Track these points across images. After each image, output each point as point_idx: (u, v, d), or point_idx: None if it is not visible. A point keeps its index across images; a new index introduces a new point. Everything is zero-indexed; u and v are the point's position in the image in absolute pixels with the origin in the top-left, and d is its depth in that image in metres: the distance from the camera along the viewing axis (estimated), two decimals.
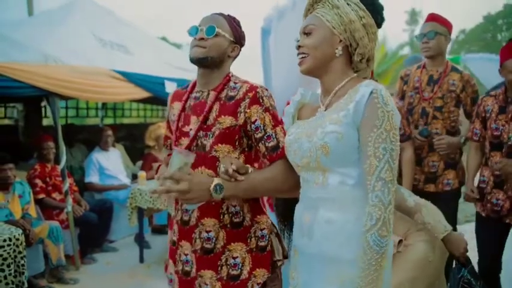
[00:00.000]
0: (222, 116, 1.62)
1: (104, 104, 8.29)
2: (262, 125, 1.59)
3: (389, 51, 18.31)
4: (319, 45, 1.41)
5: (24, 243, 2.94)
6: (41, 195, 4.30)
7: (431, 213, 1.89)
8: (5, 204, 3.78)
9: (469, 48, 29.43)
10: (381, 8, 2.03)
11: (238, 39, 1.73)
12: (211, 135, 1.62)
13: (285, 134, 1.59)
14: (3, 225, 3.07)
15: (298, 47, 1.45)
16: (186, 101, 1.74)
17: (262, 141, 1.59)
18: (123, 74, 4.72)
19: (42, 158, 4.58)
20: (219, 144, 1.61)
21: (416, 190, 2.89)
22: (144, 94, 5.00)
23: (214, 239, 1.61)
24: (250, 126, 1.60)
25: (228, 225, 1.62)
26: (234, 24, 1.72)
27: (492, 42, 28.97)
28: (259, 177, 1.53)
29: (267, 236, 1.68)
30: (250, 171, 1.53)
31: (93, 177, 5.12)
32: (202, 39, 1.64)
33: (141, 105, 9.24)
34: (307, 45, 1.42)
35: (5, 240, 2.73)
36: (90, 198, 5.03)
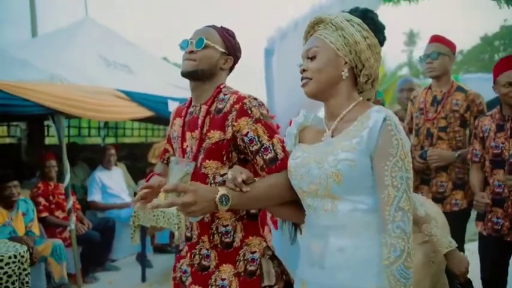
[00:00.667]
0: (212, 131, 1.56)
1: (105, 123, 8.37)
2: (256, 137, 1.51)
3: (388, 71, 18.51)
4: (324, 68, 1.36)
5: (28, 261, 2.95)
6: (44, 214, 4.32)
7: (439, 226, 1.88)
8: (9, 222, 3.80)
9: (467, 69, 29.74)
10: (383, 27, 2.03)
11: (232, 51, 1.67)
12: (202, 151, 1.57)
13: (282, 146, 1.54)
14: (8, 242, 3.09)
15: (303, 70, 1.41)
16: (185, 117, 1.70)
17: (260, 154, 1.52)
18: (127, 93, 4.79)
19: (44, 176, 4.62)
20: (207, 161, 1.55)
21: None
22: (147, 113, 5.05)
23: (209, 257, 1.59)
24: (242, 139, 1.53)
25: (219, 246, 1.58)
26: (225, 35, 1.66)
27: (490, 62, 29.27)
28: (263, 184, 1.47)
29: (258, 260, 1.59)
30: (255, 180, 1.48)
31: (95, 196, 5.14)
32: (191, 52, 1.60)
33: (142, 125, 9.31)
34: (311, 69, 1.38)
35: (10, 257, 2.74)
36: (92, 217, 5.04)
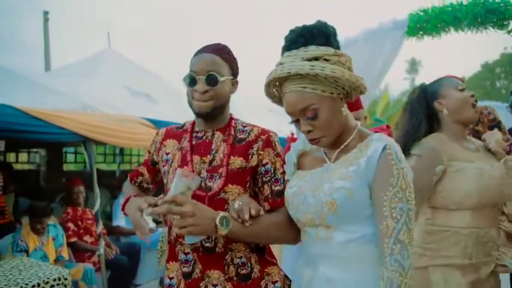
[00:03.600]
0: (232, 157, 1.52)
1: (121, 150, 8.54)
2: (272, 169, 1.52)
3: (391, 99, 18.78)
4: (332, 121, 1.28)
5: (71, 283, 3.05)
6: (73, 239, 4.42)
7: None
8: (40, 247, 3.92)
9: None
10: (335, 32, 1.80)
11: (237, 71, 1.61)
12: (217, 177, 1.50)
13: (287, 181, 1.51)
14: (50, 265, 3.18)
15: (307, 131, 1.30)
16: (190, 140, 1.61)
17: (269, 184, 1.51)
18: (152, 121, 4.96)
19: (73, 201, 4.73)
20: (229, 185, 1.49)
21: None
22: None
23: None
24: (260, 168, 1.53)
25: (235, 278, 1.48)
26: (229, 57, 1.57)
27: (491, 89, 29.68)
28: (266, 221, 1.41)
29: None
30: (261, 213, 1.41)
31: (120, 221, 5.25)
32: (205, 92, 1.49)
33: None
34: (319, 128, 1.28)
35: (55, 280, 2.84)
36: (116, 242, 5.13)
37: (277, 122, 7.54)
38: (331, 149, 1.37)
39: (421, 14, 3.40)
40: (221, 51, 1.55)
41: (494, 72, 31.53)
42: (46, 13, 12.95)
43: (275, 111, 8.34)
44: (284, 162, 1.53)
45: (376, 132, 3.41)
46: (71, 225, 4.48)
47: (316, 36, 1.64)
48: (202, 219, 1.27)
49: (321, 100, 1.25)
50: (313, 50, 1.26)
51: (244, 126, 1.61)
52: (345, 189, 1.22)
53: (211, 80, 1.49)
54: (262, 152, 1.53)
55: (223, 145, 1.55)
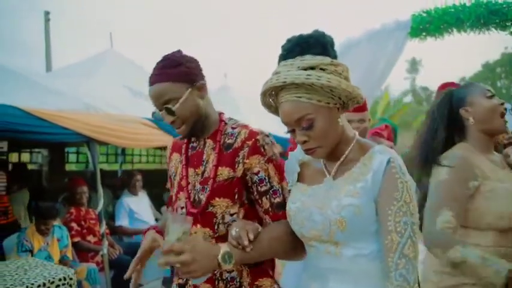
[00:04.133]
0: (220, 168, 1.45)
1: (123, 150, 8.56)
2: (267, 177, 1.42)
3: (392, 99, 18.80)
4: (328, 132, 1.26)
5: (76, 283, 3.06)
6: (77, 239, 4.44)
7: None
8: (45, 247, 3.94)
9: None
10: (332, 41, 1.73)
11: (193, 75, 1.49)
12: (207, 189, 1.45)
13: (289, 191, 1.43)
14: (55, 265, 3.20)
15: (303, 142, 1.28)
16: (186, 152, 1.58)
17: (268, 196, 1.43)
18: (155, 121, 4.98)
19: (76, 202, 4.75)
20: (216, 198, 1.43)
21: None
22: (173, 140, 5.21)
23: None
24: (251, 178, 1.43)
25: None
26: (180, 71, 1.46)
27: (492, 89, 29.65)
28: (267, 237, 1.34)
29: None
30: (259, 229, 1.35)
31: (123, 221, 5.26)
32: (173, 121, 1.47)
33: (157, 152, 9.50)
34: (315, 138, 1.26)
35: (60, 280, 2.85)
36: (119, 242, 5.14)
37: (278, 122, 7.55)
38: (330, 160, 1.35)
39: (424, 15, 3.41)
40: (166, 73, 1.44)
41: (495, 72, 31.52)
42: (47, 13, 12.97)
43: None
44: (279, 168, 1.46)
45: (375, 132, 3.41)
46: (74, 225, 4.50)
47: (312, 45, 1.61)
48: (203, 261, 1.22)
49: (316, 110, 1.23)
50: (309, 59, 1.24)
51: (233, 128, 1.51)
52: (353, 207, 1.20)
53: (169, 111, 1.45)
54: (248, 161, 1.42)
55: (213, 154, 1.49)
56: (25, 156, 7.68)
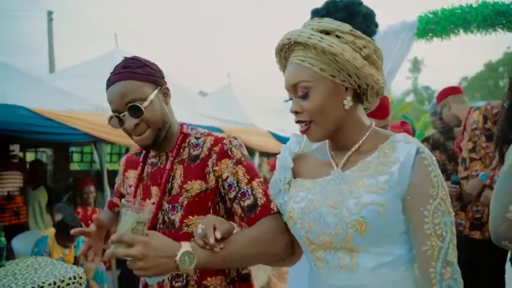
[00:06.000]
0: (189, 182, 1.32)
1: (127, 150, 8.59)
2: (235, 182, 1.29)
3: (394, 98, 18.81)
4: (325, 107, 1.08)
5: (85, 282, 3.09)
6: None
7: None
8: (62, 257, 3.96)
9: (472, 95, 30.07)
10: (372, 14, 1.49)
11: (157, 77, 1.37)
12: (179, 208, 1.32)
13: (264, 189, 1.30)
14: (64, 264, 3.23)
15: (295, 112, 1.12)
16: (142, 169, 1.45)
17: (237, 201, 1.28)
18: None
19: (82, 201, 4.78)
20: (190, 217, 1.30)
21: (462, 237, 2.88)
22: None
23: None
24: (223, 185, 1.30)
25: None
26: (145, 72, 1.34)
27: (494, 89, 29.66)
28: (242, 239, 1.16)
29: None
30: (235, 231, 1.19)
31: None
32: (137, 125, 1.31)
33: None
34: (308, 110, 1.09)
35: (70, 278, 2.88)
36: None
37: (281, 121, 7.59)
38: (339, 150, 1.17)
39: (431, 16, 3.43)
40: (131, 71, 1.32)
41: (498, 72, 31.48)
42: (50, 13, 13.01)
43: (279, 110, 8.38)
44: (249, 169, 1.31)
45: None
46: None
47: (339, 9, 1.39)
48: (157, 259, 1.02)
49: (317, 79, 1.07)
50: (326, 22, 1.07)
51: (198, 138, 1.39)
52: (377, 206, 1.01)
53: (135, 112, 1.29)
54: (217, 167, 1.31)
55: (179, 168, 1.36)
56: (30, 156, 7.73)
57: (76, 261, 3.99)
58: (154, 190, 1.38)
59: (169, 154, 1.39)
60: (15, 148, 4.85)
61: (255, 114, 7.34)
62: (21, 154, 7.44)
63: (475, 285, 2.98)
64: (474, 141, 2.91)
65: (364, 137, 1.13)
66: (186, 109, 6.53)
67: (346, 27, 1.06)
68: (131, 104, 1.29)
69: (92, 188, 4.80)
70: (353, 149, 1.13)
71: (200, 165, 1.33)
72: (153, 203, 1.36)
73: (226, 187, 1.30)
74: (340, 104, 1.08)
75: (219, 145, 1.32)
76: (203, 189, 1.31)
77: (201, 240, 1.10)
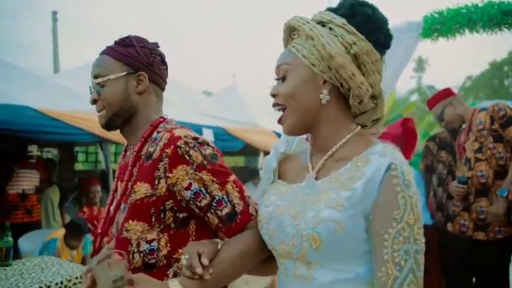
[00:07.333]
0: (138, 183, 1.18)
1: None
2: (203, 189, 1.12)
3: (398, 98, 18.74)
4: (297, 92, 1.03)
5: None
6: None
7: None
8: (70, 259, 3.99)
9: (477, 95, 29.96)
10: (383, 22, 1.29)
11: (139, 64, 1.27)
12: (125, 209, 1.20)
13: (239, 191, 1.17)
14: (71, 263, 3.24)
15: (273, 95, 1.08)
16: (120, 164, 1.37)
17: (212, 210, 1.13)
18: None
19: (88, 201, 4.80)
20: (130, 221, 1.17)
21: (465, 238, 2.91)
22: None
23: None
24: (183, 195, 1.13)
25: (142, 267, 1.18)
26: (121, 49, 1.27)
27: (499, 88, 29.52)
28: (229, 256, 1.09)
29: None
30: (219, 246, 1.11)
31: None
32: (95, 101, 1.28)
33: None
34: (282, 94, 1.05)
35: (77, 278, 2.89)
36: None
37: None
38: (318, 153, 1.09)
39: (436, 16, 3.42)
40: (112, 48, 1.29)
41: (503, 71, 31.26)
42: (55, 13, 13.06)
43: None
44: (217, 171, 1.16)
45: (386, 134, 3.35)
46: None
47: (346, 7, 1.17)
48: None
49: (296, 64, 1.04)
50: (324, 14, 1.05)
51: (158, 132, 1.23)
52: (333, 223, 0.92)
53: (95, 86, 1.26)
54: (171, 174, 1.12)
55: (138, 164, 1.24)
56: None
57: (83, 262, 4.01)
58: (120, 186, 1.27)
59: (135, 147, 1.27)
60: (33, 148, 4.91)
61: (260, 114, 7.34)
62: (39, 153, 7.52)
63: (479, 287, 3.00)
64: (481, 142, 2.90)
65: (342, 141, 1.05)
66: (192, 108, 6.55)
67: (340, 20, 1.01)
68: (93, 78, 1.26)
69: (98, 188, 4.82)
70: (329, 153, 1.05)
71: (151, 167, 1.16)
72: (112, 201, 1.28)
73: (191, 196, 1.13)
74: (316, 95, 1.02)
75: (172, 147, 1.13)
76: (148, 194, 1.15)
77: (188, 272, 1.04)
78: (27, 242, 4.01)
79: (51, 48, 12.90)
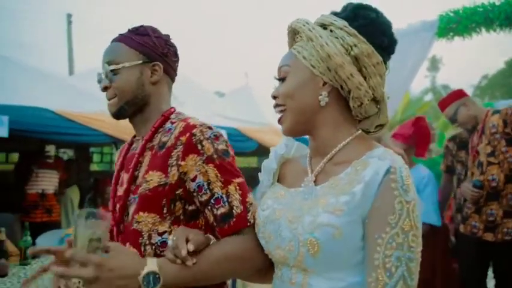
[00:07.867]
0: (150, 172, 1.15)
1: None
2: (205, 184, 1.10)
3: (412, 97, 18.57)
4: (295, 93, 1.03)
5: None
6: None
7: None
8: None
9: (492, 94, 29.54)
10: (386, 26, 1.24)
11: (155, 54, 1.27)
12: (136, 200, 1.17)
13: (242, 195, 1.13)
14: None
15: (274, 97, 1.08)
16: (125, 155, 1.33)
17: (209, 207, 1.11)
18: None
19: (104, 202, 4.86)
20: (141, 213, 1.14)
21: (475, 238, 2.93)
22: None
23: None
24: (189, 185, 1.12)
25: None
26: (137, 38, 1.26)
27: None
28: (217, 254, 1.05)
29: None
30: (211, 242, 1.08)
31: None
32: (106, 88, 1.25)
33: None
34: (281, 94, 1.05)
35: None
36: None
37: None
38: (318, 156, 1.08)
39: (452, 15, 3.37)
40: (127, 35, 1.27)
41: None
42: (69, 16, 13.22)
43: None
44: (224, 168, 1.13)
45: (395, 135, 3.29)
46: None
47: (348, 10, 1.18)
48: (114, 281, 0.93)
49: (296, 65, 1.04)
50: (326, 17, 1.05)
51: (173, 123, 1.23)
52: (332, 228, 0.90)
53: (108, 73, 1.23)
54: (183, 162, 1.11)
55: (148, 155, 1.21)
56: None
57: None
58: (126, 178, 1.24)
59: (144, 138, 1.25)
60: (50, 149, 4.99)
61: (273, 114, 7.29)
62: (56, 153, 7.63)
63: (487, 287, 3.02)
64: (493, 146, 2.90)
65: (341, 144, 1.03)
66: (206, 109, 6.56)
67: (341, 22, 1.01)
68: (107, 64, 1.24)
69: None
70: (328, 156, 1.04)
71: (165, 155, 1.14)
72: (116, 192, 1.25)
73: (195, 188, 1.11)
74: (315, 97, 1.02)
75: (187, 135, 1.12)
76: (162, 183, 1.12)
77: (171, 254, 1.00)
78: (44, 241, 4.06)
79: (66, 51, 13.07)
